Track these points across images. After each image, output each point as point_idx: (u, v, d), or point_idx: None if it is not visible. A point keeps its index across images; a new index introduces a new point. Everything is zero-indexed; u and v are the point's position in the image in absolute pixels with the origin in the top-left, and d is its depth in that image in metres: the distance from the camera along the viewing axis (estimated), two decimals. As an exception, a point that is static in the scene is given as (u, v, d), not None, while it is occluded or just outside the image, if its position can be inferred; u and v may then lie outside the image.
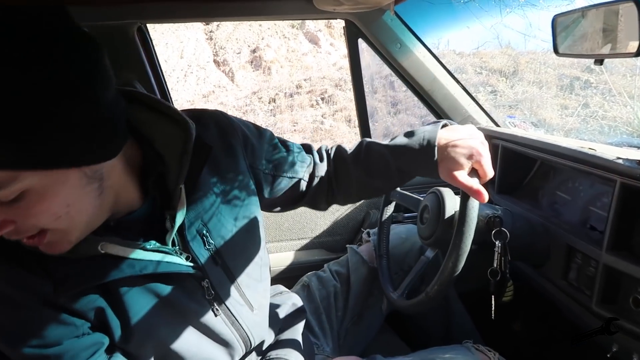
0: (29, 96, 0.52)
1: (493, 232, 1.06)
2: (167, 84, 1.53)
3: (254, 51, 9.04)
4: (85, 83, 0.57)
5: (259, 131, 0.94)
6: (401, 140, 0.93)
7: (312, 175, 1.00)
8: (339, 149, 1.03)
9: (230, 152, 0.86)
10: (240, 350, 0.88)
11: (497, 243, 1.05)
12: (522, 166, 1.33)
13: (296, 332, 1.07)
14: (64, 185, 0.59)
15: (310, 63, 8.95)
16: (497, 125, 1.57)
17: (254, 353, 0.96)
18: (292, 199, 1.01)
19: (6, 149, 0.52)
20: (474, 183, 0.85)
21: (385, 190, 1.17)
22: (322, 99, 7.53)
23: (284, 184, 0.96)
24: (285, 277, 1.57)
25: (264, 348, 0.99)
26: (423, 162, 0.89)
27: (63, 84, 0.55)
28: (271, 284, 1.06)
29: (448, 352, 1.02)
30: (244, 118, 0.94)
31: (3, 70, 0.51)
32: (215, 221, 0.81)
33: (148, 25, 1.45)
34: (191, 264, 0.76)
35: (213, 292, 0.79)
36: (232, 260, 0.83)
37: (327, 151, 1.04)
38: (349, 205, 1.67)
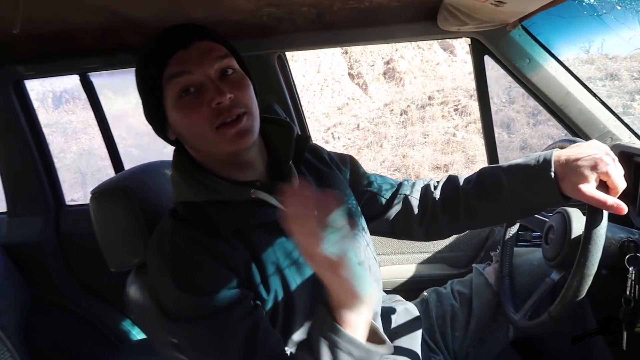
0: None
1: (627, 257, 1.00)
2: (305, 97, 1.71)
3: (387, 63, 9.15)
4: None
5: (340, 155, 1.16)
6: (517, 160, 0.96)
7: (394, 194, 1.11)
8: (452, 176, 1.11)
9: (324, 161, 1.09)
10: None
11: (630, 269, 0.98)
12: (670, 187, 1.21)
13: (414, 341, 1.10)
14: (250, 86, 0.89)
15: (445, 73, 8.79)
16: (642, 141, 1.44)
17: None
18: (373, 215, 1.12)
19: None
20: (606, 196, 0.82)
21: (495, 218, 1.10)
22: (455, 110, 7.33)
23: (359, 195, 1.11)
24: (406, 289, 1.61)
25: None
26: (539, 180, 0.89)
27: None
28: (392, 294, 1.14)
29: None
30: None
31: None
32: None
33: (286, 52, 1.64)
34: None
35: None
36: None
37: (437, 181, 1.13)
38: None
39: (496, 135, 1.58)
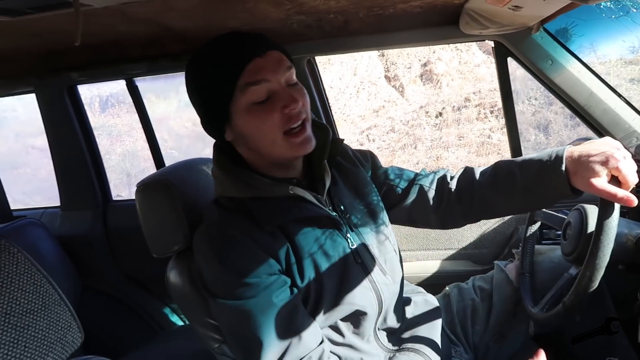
0: None
1: (643, 252, 1.02)
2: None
3: (424, 65, 9.07)
4: None
5: (362, 151, 1.23)
6: (531, 155, 1.00)
7: (410, 185, 1.17)
8: (468, 167, 1.15)
9: (350, 160, 1.16)
10: (374, 305, 1.03)
11: (646, 264, 1.01)
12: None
13: (434, 330, 1.15)
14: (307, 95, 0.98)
15: (484, 74, 8.63)
16: (669, 140, 1.44)
17: (385, 336, 1.10)
18: (391, 204, 1.18)
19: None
20: (617, 189, 0.85)
21: (507, 210, 1.14)
22: (491, 112, 7.21)
23: (378, 187, 1.18)
24: (431, 284, 1.65)
25: (397, 325, 1.12)
26: (550, 174, 0.93)
27: None
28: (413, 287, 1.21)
29: None
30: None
31: None
32: (347, 202, 1.07)
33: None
34: (337, 215, 1.03)
35: (354, 244, 1.02)
36: (365, 232, 1.07)
37: (454, 172, 1.18)
38: (497, 219, 1.70)
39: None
